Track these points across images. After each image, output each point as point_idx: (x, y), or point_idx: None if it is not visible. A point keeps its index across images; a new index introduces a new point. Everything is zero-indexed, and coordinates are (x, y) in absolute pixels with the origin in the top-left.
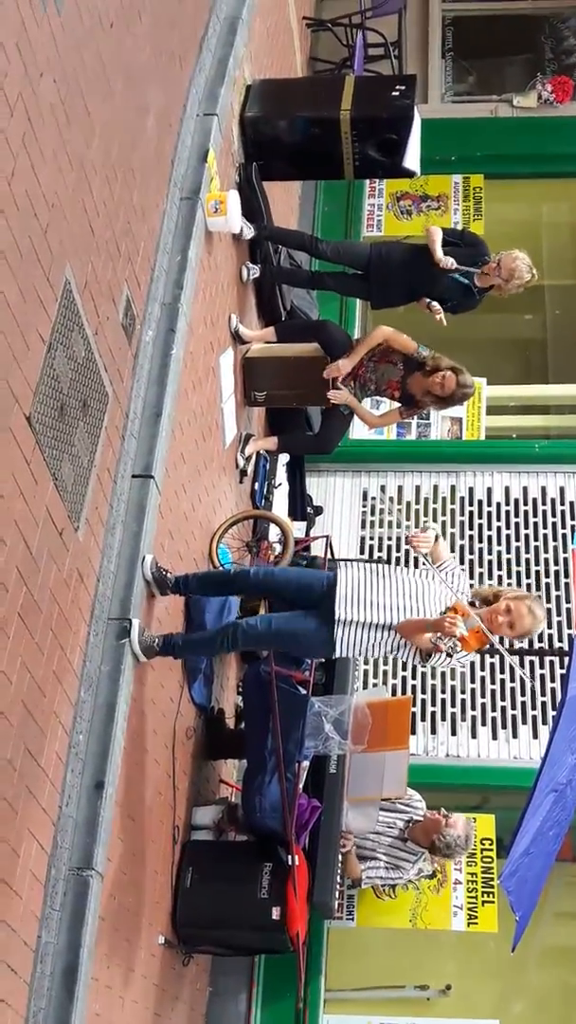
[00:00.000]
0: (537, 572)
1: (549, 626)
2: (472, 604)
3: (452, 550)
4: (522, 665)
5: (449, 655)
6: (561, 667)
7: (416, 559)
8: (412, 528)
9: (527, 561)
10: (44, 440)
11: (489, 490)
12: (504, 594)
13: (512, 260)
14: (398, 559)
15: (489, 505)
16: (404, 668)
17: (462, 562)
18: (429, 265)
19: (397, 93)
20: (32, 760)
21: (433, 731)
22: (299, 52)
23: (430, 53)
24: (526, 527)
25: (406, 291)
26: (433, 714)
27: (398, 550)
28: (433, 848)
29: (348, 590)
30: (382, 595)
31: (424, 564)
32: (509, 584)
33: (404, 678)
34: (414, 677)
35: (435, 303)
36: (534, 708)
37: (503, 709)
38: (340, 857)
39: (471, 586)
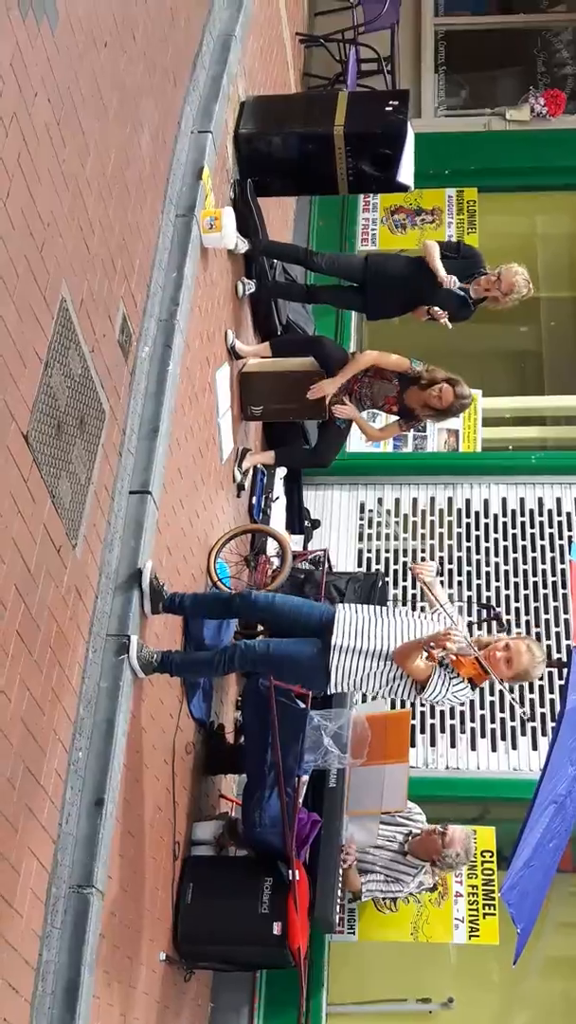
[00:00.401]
0: (535, 583)
1: (548, 637)
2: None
3: (449, 562)
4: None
5: (442, 664)
6: (560, 678)
7: (414, 594)
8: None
9: (524, 573)
10: (41, 458)
11: (486, 502)
12: (503, 639)
13: (512, 274)
14: (395, 571)
15: (486, 517)
16: None
17: (459, 574)
18: (424, 276)
19: (390, 108)
20: (32, 778)
21: (432, 744)
22: (292, 68)
23: (423, 68)
24: (523, 539)
25: (401, 302)
26: (432, 727)
27: (396, 563)
28: (434, 863)
29: (346, 622)
30: (380, 627)
31: (421, 605)
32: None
33: None
34: None
35: (437, 308)
36: (533, 720)
37: (502, 721)
38: (340, 871)
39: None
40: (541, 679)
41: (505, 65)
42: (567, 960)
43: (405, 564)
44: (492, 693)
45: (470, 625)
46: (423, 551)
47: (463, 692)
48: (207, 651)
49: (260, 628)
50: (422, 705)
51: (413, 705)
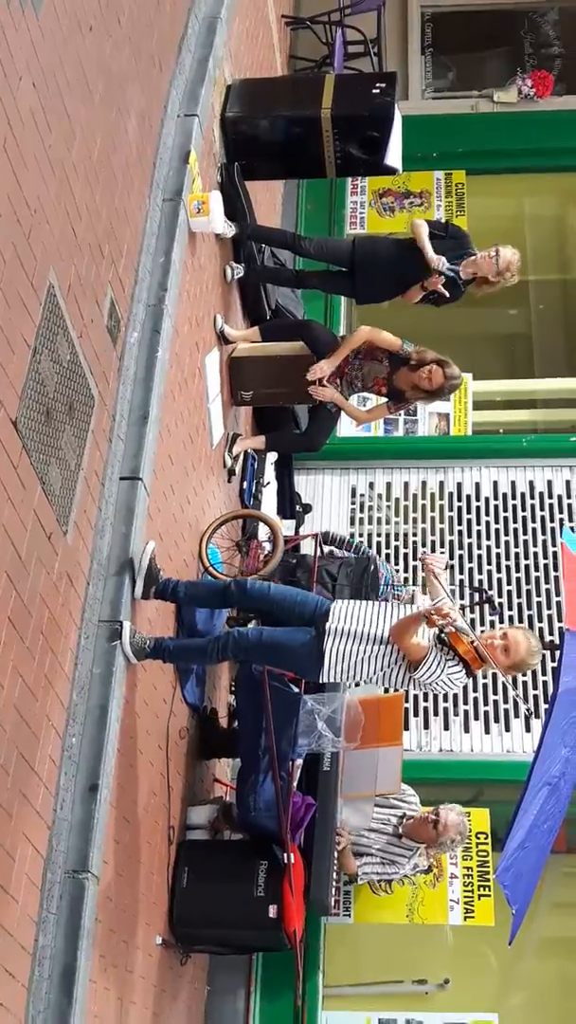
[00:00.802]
0: (526, 566)
1: (540, 620)
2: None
3: (441, 545)
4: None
5: (441, 641)
6: (552, 661)
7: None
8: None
9: (516, 555)
10: (31, 444)
11: (477, 485)
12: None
13: (512, 254)
14: (387, 555)
15: (477, 500)
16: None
17: (451, 557)
18: (414, 259)
19: (377, 91)
20: (25, 764)
21: (426, 726)
22: (279, 51)
23: (410, 50)
24: (514, 522)
25: (391, 286)
26: (425, 709)
27: (387, 547)
28: (429, 845)
29: (342, 609)
30: (375, 613)
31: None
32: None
33: None
34: None
35: (432, 279)
36: (526, 702)
37: (495, 703)
38: (336, 853)
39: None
40: None
41: (492, 47)
42: (562, 940)
43: (397, 548)
44: (486, 676)
45: (463, 609)
46: (414, 535)
47: (457, 676)
48: (200, 638)
49: (253, 617)
50: (415, 689)
51: (407, 690)
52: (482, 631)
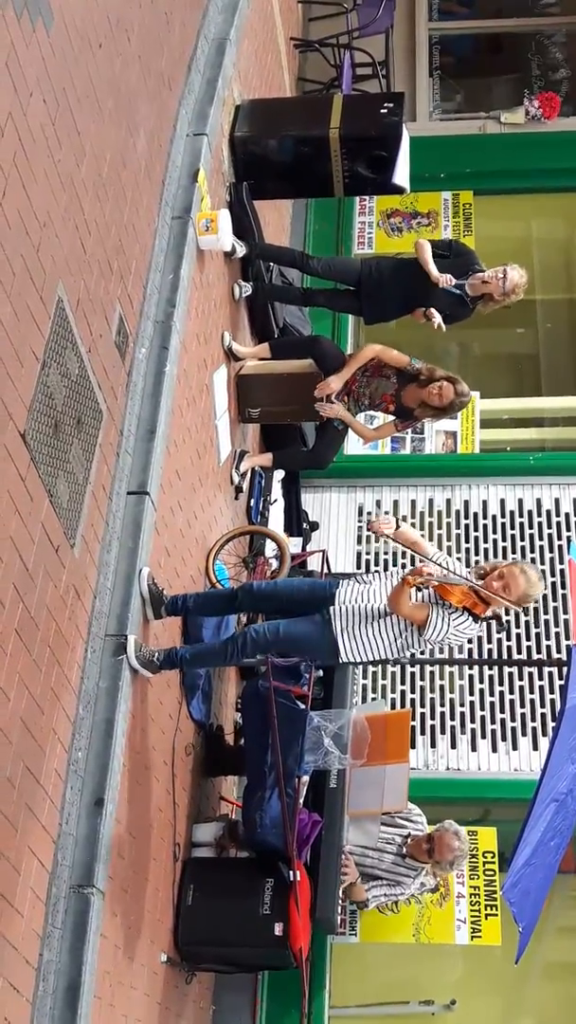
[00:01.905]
0: None
1: (548, 637)
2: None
3: None
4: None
5: (441, 604)
6: (560, 678)
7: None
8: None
9: None
10: (39, 457)
11: (484, 503)
12: (500, 565)
13: (519, 277)
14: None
15: (485, 518)
16: (403, 682)
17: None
18: (420, 278)
19: (385, 111)
20: (31, 777)
21: (433, 745)
22: (287, 72)
23: (418, 72)
24: (522, 539)
25: (398, 305)
26: (432, 728)
27: (394, 564)
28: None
29: (347, 590)
30: (378, 586)
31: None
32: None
33: (403, 692)
34: (413, 691)
35: (432, 310)
36: (533, 720)
37: (502, 721)
38: (343, 883)
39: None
40: (541, 679)
41: (499, 69)
42: (569, 964)
43: (404, 566)
44: (492, 693)
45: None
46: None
47: (466, 625)
48: (214, 642)
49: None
50: (435, 648)
51: (413, 703)
52: (480, 564)
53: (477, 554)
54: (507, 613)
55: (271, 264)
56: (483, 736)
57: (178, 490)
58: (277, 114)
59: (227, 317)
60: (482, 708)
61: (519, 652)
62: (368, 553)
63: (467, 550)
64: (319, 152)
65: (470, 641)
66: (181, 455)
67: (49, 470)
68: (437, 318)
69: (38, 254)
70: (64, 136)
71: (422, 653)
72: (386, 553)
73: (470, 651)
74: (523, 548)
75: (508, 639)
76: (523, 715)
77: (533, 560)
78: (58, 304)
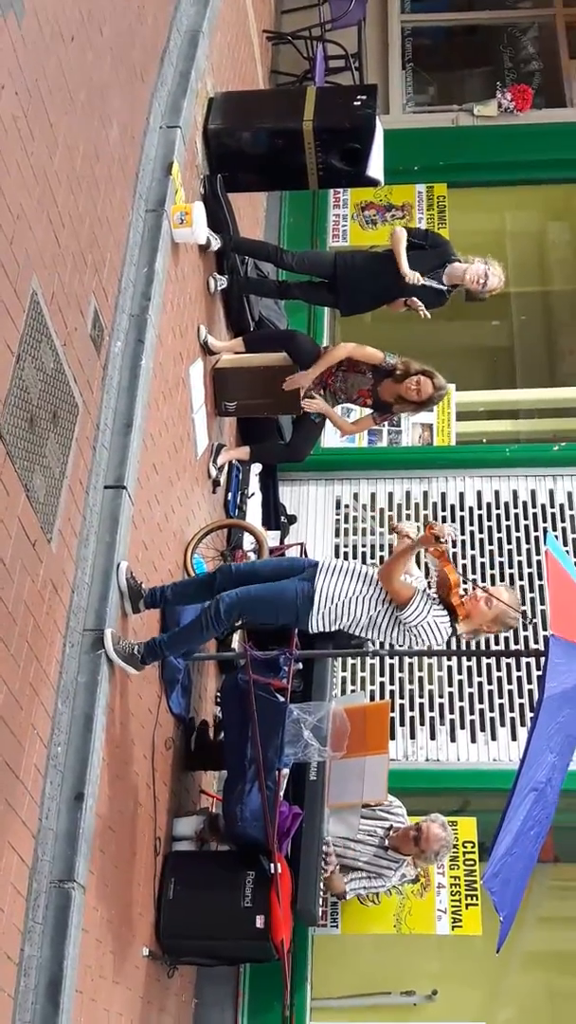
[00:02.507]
0: (511, 575)
1: (525, 628)
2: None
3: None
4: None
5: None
6: (538, 668)
7: None
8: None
9: (500, 565)
10: (15, 451)
11: (461, 495)
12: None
13: (497, 280)
14: (373, 565)
15: (461, 510)
16: (382, 673)
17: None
18: (394, 270)
19: (359, 103)
20: (10, 772)
21: (412, 736)
22: (260, 65)
23: (390, 64)
24: (499, 531)
25: (373, 297)
26: (412, 719)
27: (372, 557)
28: (415, 857)
29: (331, 561)
30: (363, 568)
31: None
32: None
33: (382, 683)
34: (392, 683)
35: (415, 299)
36: (512, 710)
37: (481, 712)
38: (323, 876)
39: None
40: (519, 670)
41: (472, 61)
42: (548, 954)
43: (382, 559)
44: (471, 684)
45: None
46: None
47: (443, 620)
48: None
49: (238, 625)
50: (401, 638)
51: (392, 640)
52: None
53: (454, 546)
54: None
55: (246, 257)
56: (462, 727)
57: (155, 484)
58: (251, 107)
59: (203, 310)
60: (461, 699)
61: (497, 643)
62: (346, 546)
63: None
64: (293, 144)
65: (434, 647)
66: (158, 449)
67: (25, 464)
68: (421, 305)
69: (11, 247)
70: (36, 128)
71: (386, 646)
72: (364, 545)
73: (448, 641)
74: (500, 539)
75: None
76: (502, 706)
77: (509, 551)
78: (32, 297)
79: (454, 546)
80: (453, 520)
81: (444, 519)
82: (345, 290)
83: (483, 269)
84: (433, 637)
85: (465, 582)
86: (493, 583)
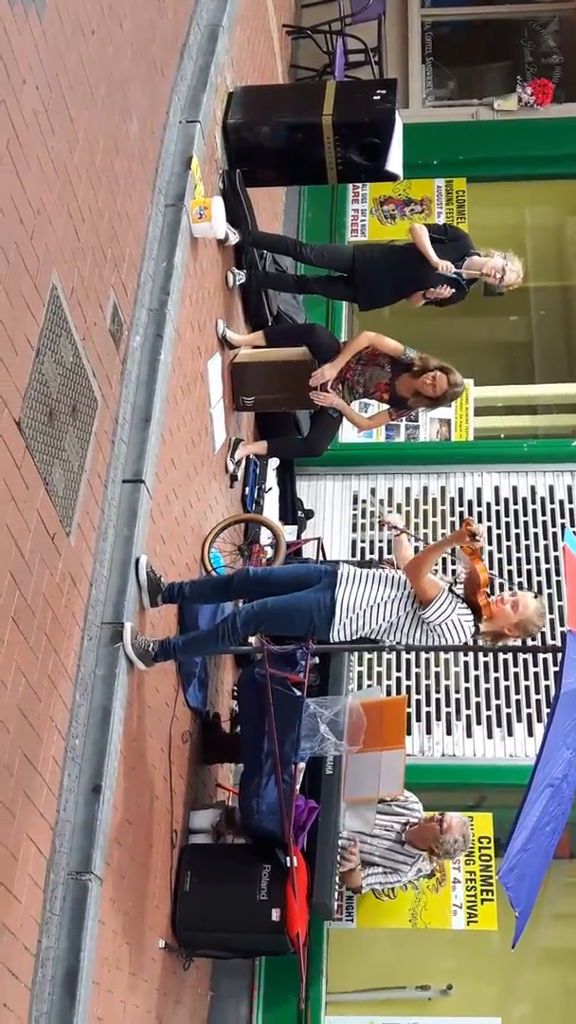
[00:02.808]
0: (528, 571)
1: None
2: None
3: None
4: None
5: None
6: (555, 664)
7: None
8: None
9: (518, 560)
10: (34, 445)
11: (479, 490)
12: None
13: (516, 275)
14: (389, 560)
15: (479, 505)
16: (398, 668)
17: (453, 563)
18: (413, 263)
19: (378, 97)
20: (29, 764)
21: (428, 731)
22: (280, 59)
23: (410, 58)
24: (516, 526)
25: (392, 291)
26: (428, 714)
27: (389, 552)
28: (431, 851)
29: (350, 568)
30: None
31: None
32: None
33: (398, 679)
34: (408, 678)
35: (440, 288)
36: (528, 706)
37: (498, 708)
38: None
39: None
40: (536, 666)
41: (492, 56)
42: (565, 951)
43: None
44: (488, 680)
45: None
46: (417, 540)
47: (467, 619)
48: (204, 629)
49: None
50: (424, 639)
51: (415, 642)
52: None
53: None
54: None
55: (264, 252)
56: (478, 722)
57: (173, 478)
58: (270, 101)
59: (221, 305)
60: (477, 694)
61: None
62: (363, 541)
63: None
64: (312, 139)
65: (460, 647)
66: (176, 443)
67: (44, 458)
68: (444, 290)
69: (32, 242)
70: (57, 123)
71: (407, 649)
72: (381, 541)
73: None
74: (517, 535)
75: None
76: (518, 701)
77: (527, 547)
78: (52, 292)
79: (489, 544)
80: (471, 516)
81: (462, 515)
82: (364, 284)
83: (501, 263)
84: (456, 635)
85: (493, 584)
86: (511, 580)
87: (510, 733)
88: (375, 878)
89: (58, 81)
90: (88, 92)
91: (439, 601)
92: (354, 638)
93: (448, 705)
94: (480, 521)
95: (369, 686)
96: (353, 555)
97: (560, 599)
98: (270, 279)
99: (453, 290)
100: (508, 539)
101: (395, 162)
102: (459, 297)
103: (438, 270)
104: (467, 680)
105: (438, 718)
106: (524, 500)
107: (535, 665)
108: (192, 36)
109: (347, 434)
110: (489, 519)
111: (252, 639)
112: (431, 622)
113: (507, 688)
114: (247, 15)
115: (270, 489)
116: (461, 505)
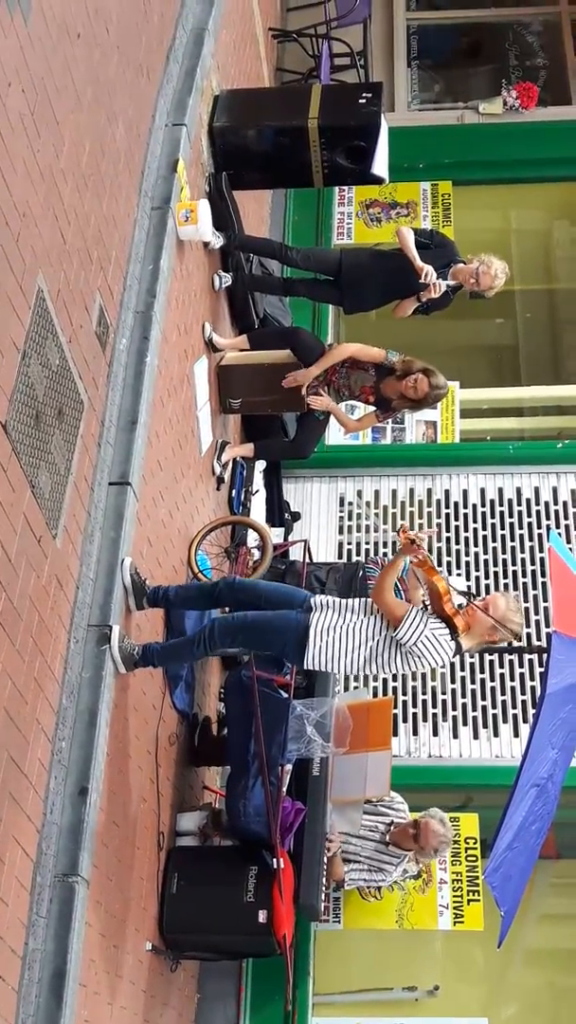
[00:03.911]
0: (514, 572)
1: (528, 624)
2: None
3: (429, 551)
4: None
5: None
6: (540, 665)
7: None
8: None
9: (504, 562)
10: (20, 448)
11: (465, 492)
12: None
13: (498, 279)
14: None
15: (465, 507)
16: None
17: (439, 564)
18: (399, 268)
19: (364, 100)
20: (15, 767)
21: (415, 732)
22: (265, 63)
23: (395, 62)
24: (502, 528)
25: (378, 295)
26: (414, 715)
27: (376, 554)
28: (415, 854)
29: (327, 598)
30: (358, 601)
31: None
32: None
33: (385, 680)
34: (394, 679)
35: (429, 268)
36: (514, 707)
37: (484, 709)
38: (325, 859)
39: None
40: (522, 667)
41: (478, 59)
42: (550, 952)
43: (386, 556)
44: (474, 681)
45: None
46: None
47: (442, 634)
48: (182, 638)
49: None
50: (404, 665)
51: (396, 671)
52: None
53: (458, 543)
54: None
55: (251, 255)
56: (464, 723)
57: (160, 480)
58: (256, 104)
59: (207, 308)
60: (463, 696)
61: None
62: (350, 543)
63: (447, 539)
64: (298, 142)
65: (441, 666)
66: (162, 446)
67: (31, 461)
68: (432, 276)
69: (17, 244)
70: (43, 126)
71: (392, 675)
72: (367, 543)
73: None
74: (503, 537)
75: None
76: (504, 702)
77: (512, 549)
78: (38, 294)
79: (436, 542)
80: (456, 518)
81: (448, 517)
82: (350, 287)
83: (474, 267)
84: (435, 654)
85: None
86: (497, 581)
87: (496, 734)
88: (359, 875)
89: (44, 84)
90: (74, 95)
91: (408, 619)
92: (327, 670)
93: (434, 706)
94: (465, 523)
95: (356, 688)
96: (339, 557)
97: (546, 600)
98: (256, 281)
99: (446, 284)
100: (494, 541)
101: (381, 165)
102: (443, 304)
103: (419, 277)
104: (453, 681)
105: (424, 719)
106: (510, 502)
107: (521, 666)
108: (178, 39)
109: (334, 436)
110: (475, 521)
111: None
112: (405, 642)
113: (493, 689)
114: (233, 19)
115: (257, 491)
116: (447, 507)
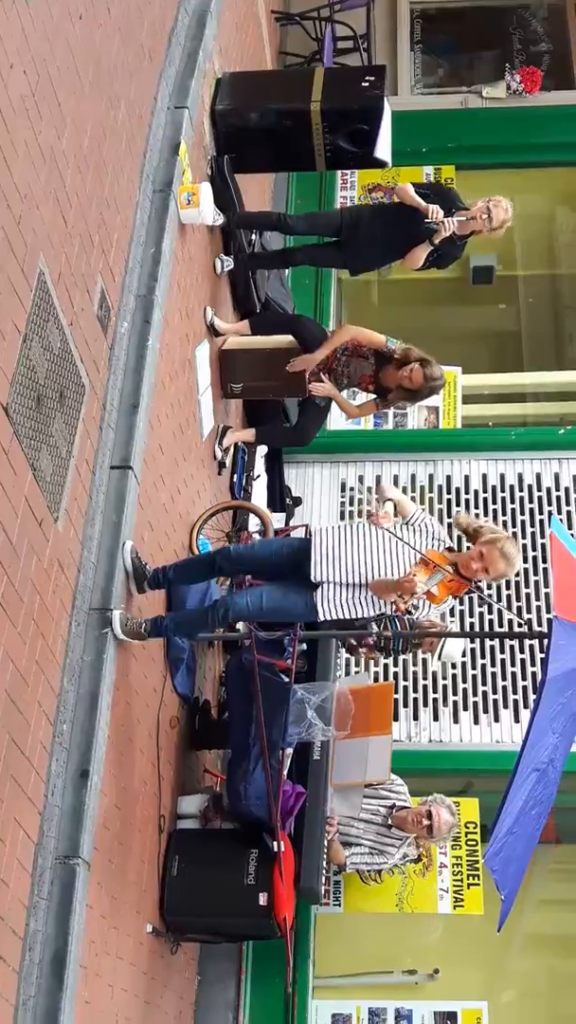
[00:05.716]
0: None
1: (529, 610)
2: (450, 549)
3: None
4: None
5: (409, 613)
6: (541, 651)
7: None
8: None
9: None
10: (22, 431)
11: (466, 478)
12: (481, 534)
13: (504, 212)
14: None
15: (467, 493)
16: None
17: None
18: (403, 221)
19: (367, 84)
20: (17, 749)
21: (415, 717)
22: (268, 46)
23: (399, 45)
24: (503, 514)
25: (384, 251)
26: (415, 700)
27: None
28: (419, 837)
29: (321, 552)
30: (354, 553)
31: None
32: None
33: (386, 665)
34: (395, 664)
35: (438, 231)
36: (515, 692)
37: (484, 694)
38: (325, 843)
39: (449, 525)
40: (523, 652)
41: (481, 43)
42: (549, 936)
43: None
44: (475, 666)
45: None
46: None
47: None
48: (195, 609)
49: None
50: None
51: (396, 676)
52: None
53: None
54: (483, 601)
55: (253, 238)
56: (465, 708)
57: (161, 465)
58: (258, 87)
59: (209, 292)
60: (464, 681)
61: (500, 625)
62: None
63: (448, 525)
64: (300, 126)
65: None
66: (164, 430)
67: (32, 444)
68: (441, 214)
69: (19, 227)
70: (45, 108)
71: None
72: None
73: (453, 622)
74: (505, 523)
75: (490, 612)
76: (504, 687)
77: (514, 534)
78: (40, 277)
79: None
80: (458, 504)
81: (449, 502)
82: (354, 246)
83: (484, 204)
84: (434, 525)
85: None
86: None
87: (496, 719)
88: (360, 858)
89: (46, 66)
90: (76, 77)
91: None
92: (349, 605)
93: (435, 691)
94: (468, 509)
95: (357, 672)
96: None
97: (547, 586)
98: (256, 259)
99: (457, 220)
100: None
101: (384, 149)
102: (454, 253)
103: (428, 216)
104: (454, 666)
105: (425, 704)
106: (511, 488)
107: (522, 652)
108: (180, 21)
109: (335, 422)
110: (476, 507)
111: (240, 625)
112: (414, 521)
113: (494, 674)
114: (236, 1)
115: (258, 476)
116: (448, 493)
